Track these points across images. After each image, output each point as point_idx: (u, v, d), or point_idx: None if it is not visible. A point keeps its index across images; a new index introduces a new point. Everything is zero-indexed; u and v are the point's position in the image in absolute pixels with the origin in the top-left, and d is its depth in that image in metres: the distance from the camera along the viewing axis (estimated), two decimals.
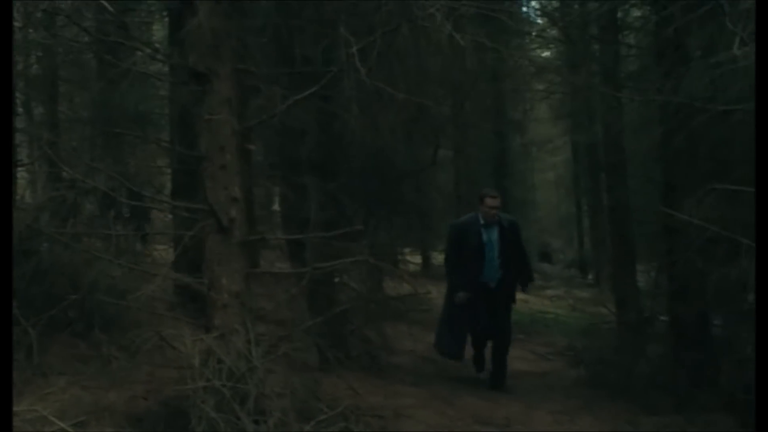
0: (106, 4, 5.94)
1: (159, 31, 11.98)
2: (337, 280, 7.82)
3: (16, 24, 6.28)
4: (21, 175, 8.36)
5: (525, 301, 12.92)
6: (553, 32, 13.40)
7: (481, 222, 7.41)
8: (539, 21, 16.09)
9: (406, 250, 17.51)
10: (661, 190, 7.28)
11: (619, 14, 9.30)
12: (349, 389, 6.33)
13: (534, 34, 15.31)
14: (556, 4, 12.60)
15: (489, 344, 7.88)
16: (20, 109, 11.04)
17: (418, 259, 19.88)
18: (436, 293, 14.77)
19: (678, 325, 7.23)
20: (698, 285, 6.40)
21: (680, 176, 6.39)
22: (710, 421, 6.39)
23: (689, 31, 5.44)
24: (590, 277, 21.24)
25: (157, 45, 9.59)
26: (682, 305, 6.84)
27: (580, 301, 16.05)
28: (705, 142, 5.73)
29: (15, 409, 4.45)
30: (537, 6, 14.24)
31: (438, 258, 20.04)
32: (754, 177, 3.40)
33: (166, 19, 9.56)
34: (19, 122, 10.20)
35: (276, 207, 11.90)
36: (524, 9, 14.56)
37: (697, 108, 4.67)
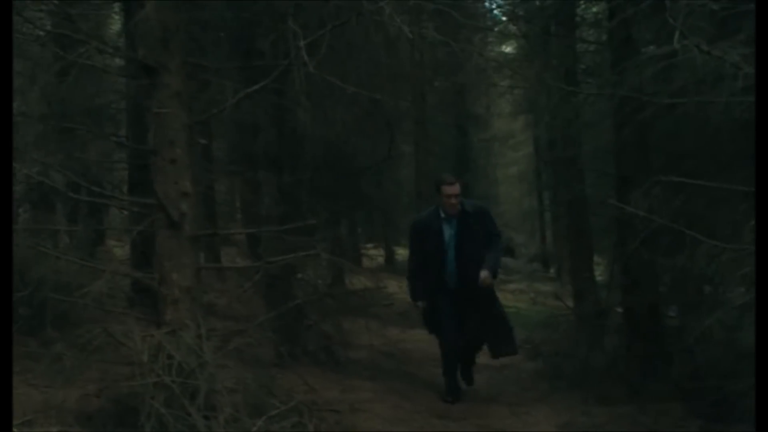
0: None
1: (116, 24, 11.83)
2: (300, 276, 7.81)
3: None
4: None
5: None
6: (515, 28, 13.47)
7: (442, 215, 6.43)
8: (503, 18, 16.18)
9: (370, 245, 17.55)
10: (615, 184, 7.37)
11: (578, 10, 9.42)
12: (305, 385, 6.32)
13: (496, 30, 15.38)
14: (517, 0, 12.67)
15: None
16: None
17: (382, 254, 19.94)
18: (397, 288, 14.84)
19: (631, 316, 7.33)
20: (650, 277, 6.49)
21: (632, 169, 6.46)
22: (661, 410, 6.48)
23: (637, 24, 5.51)
24: (552, 271, 21.44)
25: (114, 39, 9.50)
26: (634, 297, 6.93)
27: (542, 295, 16.20)
28: (653, 135, 5.81)
29: None
30: (498, 2, 14.30)
31: (401, 253, 20.12)
32: (755, 176, 3.38)
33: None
34: None
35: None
36: (486, 4, 14.60)
37: (644, 101, 4.74)
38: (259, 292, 7.61)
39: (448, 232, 6.43)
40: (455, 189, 6.31)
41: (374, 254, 19.19)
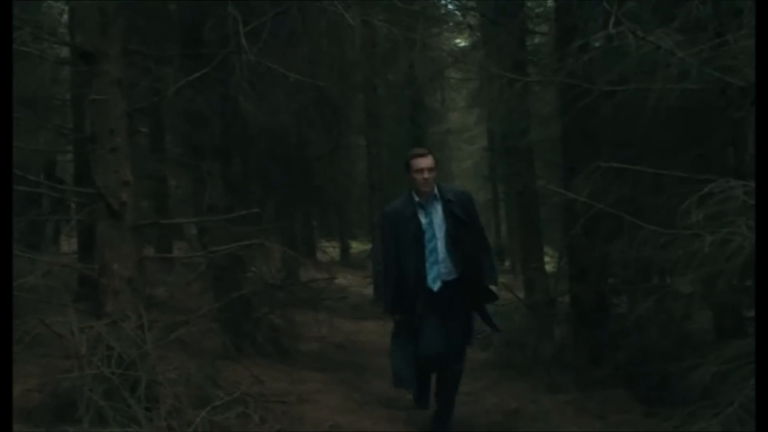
0: None
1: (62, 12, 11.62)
2: (253, 270, 7.76)
3: None
4: None
5: None
6: (471, 21, 13.52)
7: (416, 199, 5.12)
8: (456, 12, 16.23)
9: (324, 240, 17.53)
10: (562, 173, 7.43)
11: (527, 1, 9.50)
12: (252, 376, 6.28)
13: (451, 23, 15.42)
14: None
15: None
16: None
17: (337, 248, 19.93)
18: (352, 281, 14.85)
19: (579, 305, 7.41)
20: (597, 266, 6.56)
21: (578, 158, 6.50)
22: (607, 396, 6.59)
23: (581, 12, 5.55)
24: (507, 263, 21.59)
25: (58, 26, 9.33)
26: (581, 286, 7.01)
27: (497, 287, 16.25)
28: (597, 124, 5.86)
29: None
30: None
31: (356, 248, 20.15)
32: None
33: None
34: None
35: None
36: None
37: (583, 89, 4.78)
38: (208, 285, 7.56)
39: (426, 218, 5.11)
40: (428, 161, 5.09)
41: (329, 249, 19.21)
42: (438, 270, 5.13)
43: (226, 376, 6.01)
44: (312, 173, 8.94)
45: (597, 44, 4.89)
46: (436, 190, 5.15)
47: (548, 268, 9.93)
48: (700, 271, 4.12)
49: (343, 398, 6.60)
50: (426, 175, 5.05)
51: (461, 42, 19.33)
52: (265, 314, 7.45)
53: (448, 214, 5.10)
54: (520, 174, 9.27)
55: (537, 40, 9.96)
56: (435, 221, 5.11)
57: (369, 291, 13.42)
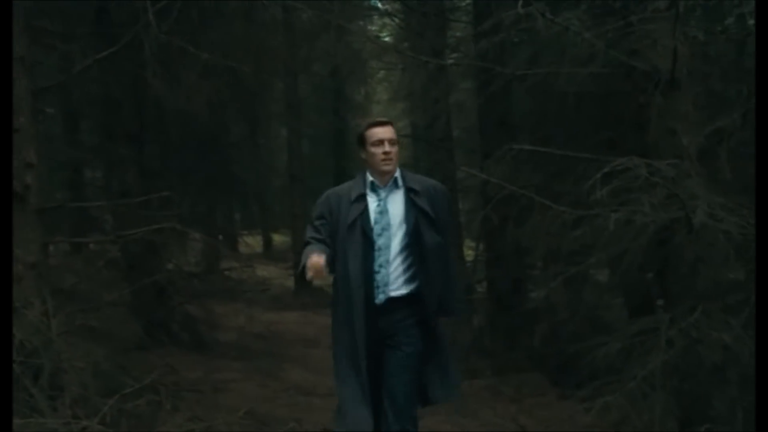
0: None
1: None
2: (172, 260, 7.60)
3: None
4: None
5: None
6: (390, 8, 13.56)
7: (369, 180, 3.74)
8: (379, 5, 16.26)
9: (247, 233, 17.31)
10: (480, 161, 7.49)
11: None
12: (167, 365, 6.16)
13: (375, 16, 15.43)
14: None
15: None
16: None
17: (260, 241, 19.73)
18: (274, 273, 14.72)
19: (495, 291, 7.50)
20: (511, 251, 6.63)
21: (493, 144, 6.54)
22: (523, 381, 6.70)
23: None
24: None
25: None
26: (497, 272, 7.09)
27: None
28: (507, 108, 5.93)
29: None
30: None
31: (278, 240, 19.97)
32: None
33: None
34: None
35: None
36: None
37: (497, 73, 4.81)
38: (122, 274, 7.37)
39: (376, 207, 3.73)
40: (389, 131, 3.71)
41: (252, 241, 19.01)
42: (386, 275, 3.67)
43: (139, 365, 5.88)
44: (230, 161, 8.82)
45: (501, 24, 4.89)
46: (398, 174, 3.75)
47: (470, 257, 10.03)
48: (607, 251, 4.21)
49: (259, 387, 6.54)
50: (387, 148, 3.66)
51: (386, 35, 19.35)
52: (181, 304, 7.30)
53: (411, 205, 3.71)
54: (440, 163, 9.34)
55: (459, 33, 10.05)
56: (391, 211, 3.70)
57: (291, 282, 13.34)
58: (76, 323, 4.71)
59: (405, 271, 3.69)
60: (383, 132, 3.70)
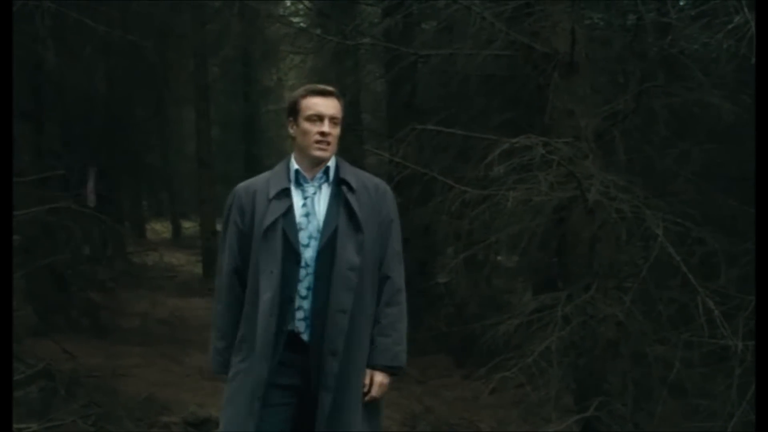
0: None
1: None
2: (73, 246, 7.34)
3: None
4: None
5: None
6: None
7: (295, 167, 2.79)
8: None
9: (155, 219, 16.95)
10: (388, 144, 7.49)
11: None
12: (64, 351, 5.97)
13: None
14: None
15: None
16: None
17: (168, 229, 19.31)
18: (182, 260, 14.45)
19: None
20: (417, 233, 6.67)
21: (399, 125, 6.52)
22: (429, 362, 6.78)
23: None
24: None
25: None
26: (403, 254, 7.10)
27: None
28: (410, 90, 5.93)
29: None
30: None
31: (188, 227, 19.57)
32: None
33: None
34: None
35: None
36: None
37: (400, 54, 4.81)
38: (16, 256, 7.09)
39: (301, 206, 2.75)
40: (332, 105, 2.71)
41: (161, 228, 18.61)
42: (312, 300, 2.66)
43: (34, 351, 5.69)
44: (136, 144, 8.58)
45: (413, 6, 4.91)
46: (332, 164, 2.78)
47: None
48: (507, 230, 4.28)
49: (162, 372, 6.42)
50: (327, 127, 2.67)
51: (299, 20, 19.16)
52: (79, 289, 7.07)
53: (341, 204, 2.72)
54: (350, 148, 9.29)
55: (368, 17, 10.01)
56: (317, 210, 2.73)
57: (199, 269, 13.11)
58: None
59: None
60: (325, 105, 2.70)
